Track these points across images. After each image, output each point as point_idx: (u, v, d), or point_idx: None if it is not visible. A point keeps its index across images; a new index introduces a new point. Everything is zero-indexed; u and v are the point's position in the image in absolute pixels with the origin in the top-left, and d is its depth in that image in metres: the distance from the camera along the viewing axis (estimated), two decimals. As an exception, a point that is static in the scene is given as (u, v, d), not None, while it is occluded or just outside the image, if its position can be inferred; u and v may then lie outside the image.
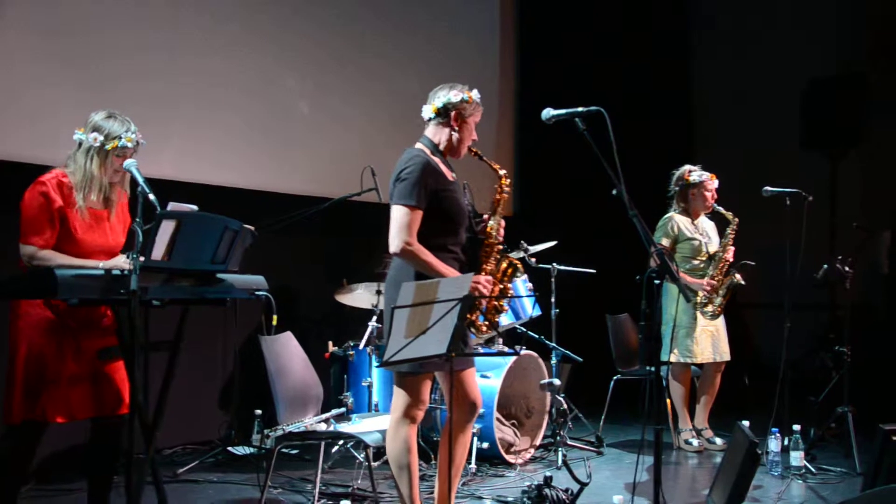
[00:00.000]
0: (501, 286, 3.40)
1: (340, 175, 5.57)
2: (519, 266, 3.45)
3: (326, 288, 5.48)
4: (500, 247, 3.45)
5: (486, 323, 3.37)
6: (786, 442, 4.71)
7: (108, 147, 3.26)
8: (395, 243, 3.23)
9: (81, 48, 4.68)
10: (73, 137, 3.31)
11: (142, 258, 2.88)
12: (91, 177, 3.26)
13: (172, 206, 3.13)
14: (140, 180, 3.07)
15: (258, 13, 5.61)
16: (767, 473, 4.63)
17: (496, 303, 3.40)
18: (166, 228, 2.97)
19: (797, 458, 4.61)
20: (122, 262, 3.16)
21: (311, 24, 5.95)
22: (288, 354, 3.96)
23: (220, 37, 5.38)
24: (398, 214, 3.24)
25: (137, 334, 2.91)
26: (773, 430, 4.67)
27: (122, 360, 3.37)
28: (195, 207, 3.21)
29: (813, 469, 4.65)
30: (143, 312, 2.99)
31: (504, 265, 3.44)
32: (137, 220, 2.93)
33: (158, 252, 2.98)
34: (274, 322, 4.06)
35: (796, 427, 4.63)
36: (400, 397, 3.30)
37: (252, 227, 3.40)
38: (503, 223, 3.47)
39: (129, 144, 3.28)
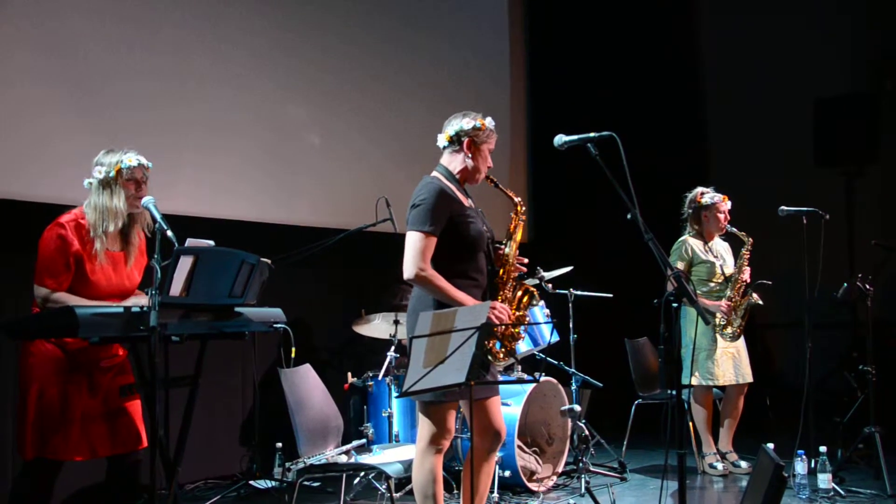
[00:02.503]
0: (518, 314, 3.40)
1: (355, 206, 5.60)
2: (535, 293, 3.45)
3: (344, 319, 5.48)
4: (516, 274, 3.45)
5: (503, 350, 3.36)
6: (812, 464, 4.64)
7: (113, 173, 3.30)
8: (409, 269, 3.24)
9: (92, 90, 4.73)
10: (84, 186, 3.37)
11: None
12: (105, 209, 3.29)
13: (190, 241, 3.15)
14: (158, 217, 3.11)
15: (265, 45, 5.67)
16: (795, 497, 4.56)
17: (512, 330, 3.39)
18: (184, 264, 3.00)
19: (825, 480, 4.54)
20: (139, 300, 3.19)
21: (321, 55, 6.01)
22: (307, 386, 3.96)
23: (230, 70, 5.44)
24: (412, 240, 3.25)
25: (157, 370, 2.93)
26: (799, 452, 4.61)
27: (138, 397, 3.39)
28: (212, 243, 3.24)
29: (842, 492, 4.57)
30: (162, 348, 3.01)
31: (520, 293, 3.43)
32: (156, 256, 2.96)
33: (177, 288, 3.00)
34: (293, 354, 4.06)
35: (823, 449, 4.56)
36: (425, 427, 3.29)
37: (269, 261, 3.42)
38: (518, 251, 3.47)
39: (133, 164, 3.33)
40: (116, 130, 4.64)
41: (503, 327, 3.29)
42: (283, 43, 5.78)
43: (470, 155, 3.41)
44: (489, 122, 3.44)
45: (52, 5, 4.58)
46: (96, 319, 2.89)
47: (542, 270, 5.08)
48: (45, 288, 3.21)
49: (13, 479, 4.08)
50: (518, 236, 3.47)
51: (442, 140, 3.45)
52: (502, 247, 3.46)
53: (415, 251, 3.23)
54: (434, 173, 3.44)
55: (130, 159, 3.34)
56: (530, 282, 4.81)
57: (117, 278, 3.38)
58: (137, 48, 4.96)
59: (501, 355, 3.36)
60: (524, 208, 3.50)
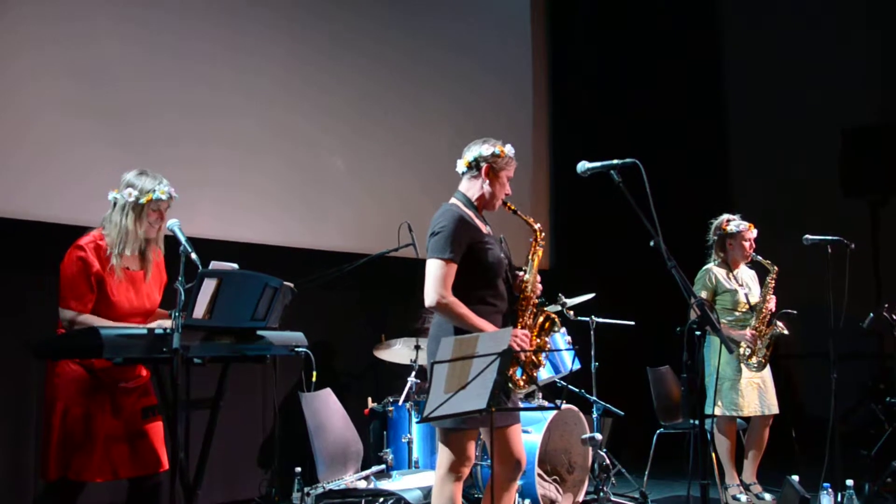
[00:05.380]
0: (539, 340, 3.39)
1: (377, 231, 5.62)
2: (556, 320, 3.44)
3: (365, 344, 5.48)
4: (537, 301, 3.44)
5: (524, 377, 3.35)
6: (839, 498, 4.55)
7: (143, 201, 3.34)
8: (430, 297, 3.24)
9: (118, 107, 4.75)
10: (108, 198, 3.40)
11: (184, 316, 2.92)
12: (126, 231, 3.33)
13: (214, 264, 3.18)
14: (182, 239, 3.14)
15: (293, 66, 5.72)
16: (821, 531, 4.48)
17: (534, 357, 3.38)
18: (208, 287, 3.03)
19: (852, 514, 4.45)
20: (164, 324, 3.21)
21: (345, 76, 6.04)
22: (327, 411, 3.96)
23: (253, 95, 5.48)
24: (433, 268, 3.26)
25: (179, 392, 2.94)
26: (825, 485, 4.52)
27: (160, 419, 3.40)
28: (236, 266, 3.26)
29: (868, 526, 4.49)
30: (184, 370, 3.02)
31: (541, 319, 3.43)
32: (180, 278, 2.98)
33: (200, 310, 3.03)
34: (313, 378, 4.07)
35: (849, 482, 4.47)
36: (445, 454, 3.28)
37: (291, 284, 3.44)
38: (539, 277, 3.47)
39: (163, 197, 3.36)
40: (140, 159, 4.63)
41: (524, 354, 3.28)
42: (310, 63, 5.82)
43: (488, 181, 3.43)
44: (509, 149, 3.45)
45: (70, 9, 4.57)
46: (120, 340, 2.92)
47: (563, 297, 5.07)
48: (70, 311, 3.24)
49: (34, 501, 4.10)
50: (537, 262, 3.47)
51: (461, 166, 3.48)
52: (522, 273, 3.46)
53: (435, 279, 3.24)
54: (453, 200, 3.45)
55: (163, 191, 3.36)
56: (552, 308, 4.80)
57: (138, 300, 3.41)
58: (162, 57, 4.96)
59: (522, 382, 3.35)
60: (543, 234, 3.50)
